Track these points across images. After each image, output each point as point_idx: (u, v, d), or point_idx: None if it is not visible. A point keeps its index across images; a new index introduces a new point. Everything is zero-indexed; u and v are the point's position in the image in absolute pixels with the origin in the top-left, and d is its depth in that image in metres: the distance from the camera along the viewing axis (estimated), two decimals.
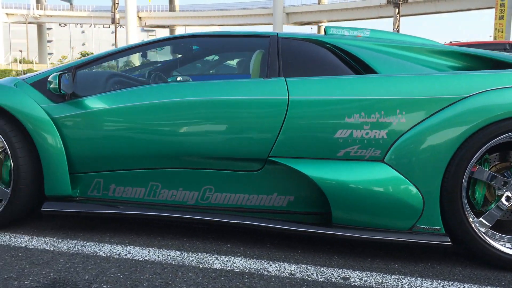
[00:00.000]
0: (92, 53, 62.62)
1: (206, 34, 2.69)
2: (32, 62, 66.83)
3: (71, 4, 76.21)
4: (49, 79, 2.39)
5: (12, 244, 2.32)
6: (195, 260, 2.15)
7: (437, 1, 53.12)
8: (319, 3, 64.66)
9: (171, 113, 2.35)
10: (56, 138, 2.41)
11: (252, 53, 2.68)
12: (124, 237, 2.45)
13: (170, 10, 74.43)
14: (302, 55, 2.48)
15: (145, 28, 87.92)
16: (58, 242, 2.36)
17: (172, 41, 2.68)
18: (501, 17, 44.37)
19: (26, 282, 1.89)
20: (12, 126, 2.44)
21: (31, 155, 2.45)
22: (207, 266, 2.08)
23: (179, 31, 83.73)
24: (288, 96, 2.24)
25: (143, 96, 2.40)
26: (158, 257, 2.18)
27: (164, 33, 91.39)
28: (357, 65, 2.40)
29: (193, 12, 72.79)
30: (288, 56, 2.45)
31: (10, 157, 2.41)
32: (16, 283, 1.89)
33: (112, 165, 2.44)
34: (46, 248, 2.27)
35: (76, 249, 2.26)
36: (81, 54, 62.38)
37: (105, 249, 2.27)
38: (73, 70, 2.58)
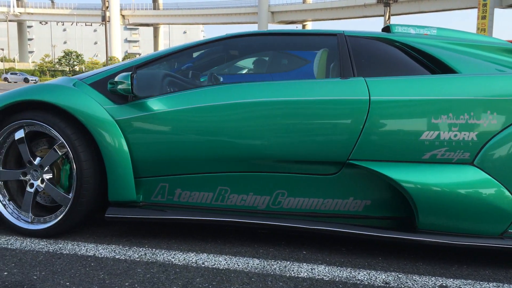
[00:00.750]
0: (75, 52, 61.75)
1: (269, 33, 2.60)
2: (14, 61, 65.62)
3: (52, 2, 75.05)
4: (117, 79, 2.28)
5: (79, 253, 2.21)
6: (277, 268, 2.07)
7: (420, 1, 53.77)
8: (304, 2, 64.86)
9: (244, 114, 2.26)
10: (121, 141, 2.30)
11: (314, 52, 2.61)
12: (192, 244, 2.36)
13: (154, 8, 73.83)
14: (374, 54, 2.42)
15: (128, 26, 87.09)
16: (126, 250, 2.26)
17: (233, 39, 2.59)
18: (484, 17, 45.17)
19: None
20: (74, 129, 2.32)
21: (94, 159, 2.33)
22: (293, 274, 2.00)
23: (163, 29, 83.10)
24: (369, 97, 2.17)
25: (211, 96, 2.31)
26: (238, 265, 2.09)
27: (147, 32, 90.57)
28: (432, 64, 2.34)
29: (177, 11, 72.30)
30: (360, 55, 2.38)
31: (73, 161, 2.30)
32: None
33: (178, 169, 2.34)
34: (117, 257, 2.16)
35: (149, 258, 2.16)
36: (64, 52, 61.38)
37: (178, 257, 2.17)
38: (134, 69, 2.47)
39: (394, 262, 2.16)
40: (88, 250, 2.24)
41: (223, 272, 2.01)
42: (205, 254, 2.22)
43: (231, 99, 2.28)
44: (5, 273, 1.96)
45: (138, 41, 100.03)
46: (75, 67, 60.43)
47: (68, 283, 1.88)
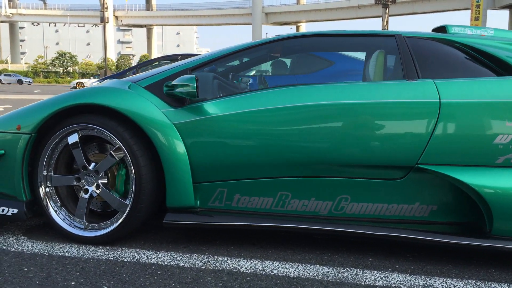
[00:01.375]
0: (69, 53, 61.34)
1: (324, 34, 2.55)
2: (6, 62, 65.02)
3: (44, 3, 74.49)
4: (177, 82, 2.22)
5: (141, 260, 2.14)
6: (349, 276, 2.02)
7: (414, 2, 53.99)
8: (298, 3, 64.89)
9: (308, 117, 2.21)
10: (180, 145, 2.24)
11: (369, 53, 2.56)
12: (252, 250, 2.30)
13: (147, 9, 73.50)
14: (435, 55, 2.38)
15: (121, 28, 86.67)
16: (187, 257, 2.19)
17: (288, 40, 2.54)
18: (477, 18, 45.44)
19: None
20: (132, 133, 2.26)
21: (152, 164, 2.27)
22: (368, 283, 1.95)
23: (156, 30, 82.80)
24: (440, 99, 2.12)
25: (273, 99, 2.26)
26: (308, 273, 2.04)
27: (140, 33, 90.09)
28: (495, 66, 2.30)
29: (171, 12, 72.04)
30: (421, 57, 2.34)
31: (132, 166, 2.23)
32: None
33: (238, 174, 2.28)
34: (181, 265, 2.10)
35: (214, 265, 2.10)
36: (57, 53, 60.94)
37: (244, 265, 2.11)
38: (188, 71, 2.42)
39: (465, 269, 2.12)
40: (149, 257, 2.18)
41: (296, 280, 1.96)
42: (269, 261, 2.17)
43: (294, 102, 2.23)
44: (73, 283, 1.90)
45: (131, 42, 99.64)
46: (69, 68, 60.01)
47: None
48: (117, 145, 2.27)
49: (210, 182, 2.31)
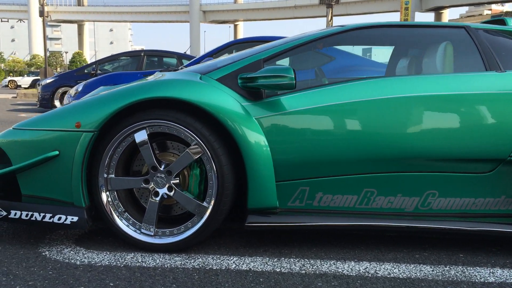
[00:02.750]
0: None
1: (392, 24, 2.48)
2: None
3: None
4: (270, 73, 2.05)
5: (231, 267, 1.97)
6: (458, 274, 1.96)
7: (347, 4, 55.69)
8: (235, 2, 64.92)
9: (394, 111, 2.13)
10: (263, 141, 2.08)
11: (434, 45, 2.51)
12: (339, 251, 2.19)
13: (78, 5, 70.55)
14: (506, 47, 2.38)
15: (50, 23, 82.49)
16: (277, 261, 2.05)
17: (357, 31, 2.44)
18: (406, 20, 47.67)
19: None
20: (210, 129, 2.07)
21: (232, 163, 2.10)
22: (481, 280, 1.90)
23: (88, 27, 79.71)
24: None
25: (358, 92, 2.16)
26: (415, 273, 1.96)
27: (70, 29, 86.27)
28: None
29: (104, 7, 69.58)
30: (496, 48, 2.33)
31: (214, 164, 2.05)
32: None
33: (322, 171, 2.16)
34: (278, 270, 1.95)
35: (313, 269, 1.97)
36: None
37: (343, 267, 2.00)
38: (262, 63, 2.26)
39: None
40: (237, 263, 2.01)
41: (409, 282, 1.87)
42: (365, 262, 2.07)
43: (381, 95, 2.14)
44: None
45: (60, 38, 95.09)
46: None
47: None
48: (194, 143, 2.07)
49: (292, 180, 2.17)
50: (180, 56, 9.61)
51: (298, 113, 2.13)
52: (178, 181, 2.15)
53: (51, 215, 2.12)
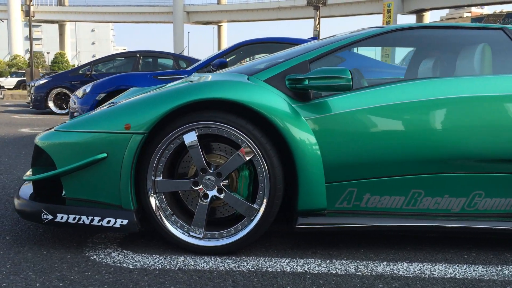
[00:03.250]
0: None
1: (431, 26, 2.50)
2: None
3: None
4: (325, 74, 2.04)
5: (286, 269, 1.95)
6: (507, 274, 1.98)
7: (331, 6, 56.06)
8: (219, 3, 64.85)
9: (441, 112, 2.15)
10: (314, 143, 2.07)
11: (471, 46, 2.54)
12: (386, 252, 2.20)
13: (59, 4, 69.63)
14: None
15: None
16: (329, 262, 2.04)
17: (399, 32, 2.45)
18: (388, 22, 48.16)
19: None
20: (261, 131, 2.06)
21: (281, 164, 2.09)
22: None
23: (70, 27, 78.72)
24: None
25: (407, 93, 2.17)
26: (470, 273, 1.98)
27: (51, 29, 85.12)
28: None
29: (85, 7, 68.83)
30: None
31: (266, 166, 2.04)
32: None
33: (371, 173, 2.16)
34: (333, 272, 1.95)
35: (367, 270, 1.97)
36: None
37: (398, 268, 2.01)
38: (308, 64, 2.26)
39: None
40: (291, 265, 2.00)
41: (468, 282, 1.89)
42: (417, 263, 2.08)
43: (431, 96, 2.16)
44: None
45: (41, 38, 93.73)
46: None
47: None
48: (244, 144, 2.06)
49: (340, 182, 2.17)
50: (177, 57, 9.56)
51: (346, 114, 2.13)
52: (227, 182, 2.13)
53: (99, 218, 2.08)
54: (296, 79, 2.14)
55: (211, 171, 2.11)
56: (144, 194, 2.10)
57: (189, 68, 5.39)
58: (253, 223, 2.08)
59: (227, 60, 4.88)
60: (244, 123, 2.05)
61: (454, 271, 1.99)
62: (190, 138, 2.08)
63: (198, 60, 9.90)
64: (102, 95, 4.92)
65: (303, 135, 2.06)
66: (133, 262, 2.01)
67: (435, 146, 2.14)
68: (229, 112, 2.07)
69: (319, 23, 25.16)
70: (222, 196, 2.11)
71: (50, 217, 2.10)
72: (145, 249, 2.16)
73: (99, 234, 2.37)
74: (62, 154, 2.11)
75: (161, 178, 2.12)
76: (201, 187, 2.12)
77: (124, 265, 1.98)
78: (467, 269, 2.01)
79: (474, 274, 1.95)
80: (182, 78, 4.95)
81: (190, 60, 9.29)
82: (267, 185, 2.06)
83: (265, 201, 2.07)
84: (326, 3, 24.83)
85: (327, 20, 54.75)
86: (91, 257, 2.06)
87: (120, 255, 2.09)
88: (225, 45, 67.59)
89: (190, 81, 2.27)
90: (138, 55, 9.63)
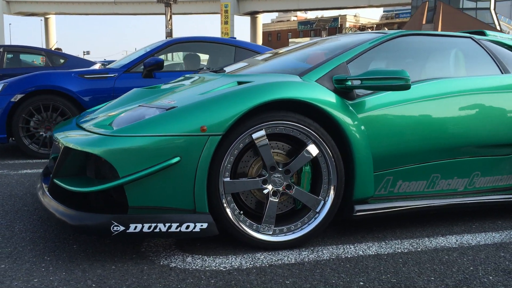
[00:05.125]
0: None
1: (420, 33, 2.88)
2: None
3: None
4: (389, 75, 2.22)
5: (368, 253, 2.14)
6: None
7: (188, 3, 56.07)
8: None
9: (457, 106, 2.55)
10: (366, 137, 2.29)
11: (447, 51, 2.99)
12: (428, 229, 2.51)
13: None
14: (504, 54, 3.00)
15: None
16: (388, 244, 2.28)
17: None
18: (226, 22, 50.00)
19: None
20: (325, 129, 2.21)
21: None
22: None
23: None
24: None
25: (433, 90, 2.51)
26: (503, 237, 2.40)
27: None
28: None
29: None
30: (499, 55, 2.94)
31: (333, 161, 2.20)
32: None
33: (404, 162, 2.46)
34: (397, 251, 2.20)
35: (432, 244, 2.26)
36: None
37: (451, 241, 2.34)
38: (346, 65, 2.46)
39: None
40: (363, 250, 2.20)
41: (505, 245, 2.30)
42: (455, 235, 2.43)
43: (446, 93, 2.54)
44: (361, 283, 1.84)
45: None
46: None
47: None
48: (309, 141, 2.19)
49: (381, 171, 2.42)
50: (50, 53, 8.77)
51: (386, 111, 2.39)
52: (293, 179, 2.23)
53: (177, 224, 2.00)
54: (346, 79, 2.32)
55: (280, 168, 2.18)
56: (216, 196, 2.08)
57: (112, 66, 5.09)
58: (321, 215, 2.22)
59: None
60: (311, 121, 2.17)
61: (487, 237, 2.39)
62: (261, 137, 2.13)
63: (75, 57, 9.22)
64: (19, 96, 4.38)
65: (359, 130, 2.26)
66: (224, 265, 1.99)
67: (450, 136, 2.52)
68: (298, 111, 2.17)
69: (171, 19, 24.96)
70: (292, 192, 2.20)
71: (122, 228, 1.95)
72: (213, 252, 2.14)
73: (167, 240, 2.25)
74: (126, 160, 1.98)
75: (228, 179, 2.12)
76: (269, 185, 2.17)
77: (219, 268, 1.96)
78: (496, 235, 2.43)
79: (505, 238, 2.37)
80: (111, 76, 4.70)
81: (65, 56, 8.64)
82: (333, 178, 2.21)
83: (332, 193, 2.22)
84: (177, 1, 24.76)
85: (161, 17, 54.37)
86: (170, 265, 1.98)
87: (198, 260, 2.04)
88: (54, 39, 62.71)
89: (240, 82, 2.30)
90: (1, 50, 8.58)
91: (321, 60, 2.54)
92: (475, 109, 2.60)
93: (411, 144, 2.44)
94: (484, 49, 2.93)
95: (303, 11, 72.36)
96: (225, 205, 2.10)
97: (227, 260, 2.04)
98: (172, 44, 5.00)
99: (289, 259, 2.07)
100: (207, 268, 1.96)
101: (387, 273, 1.94)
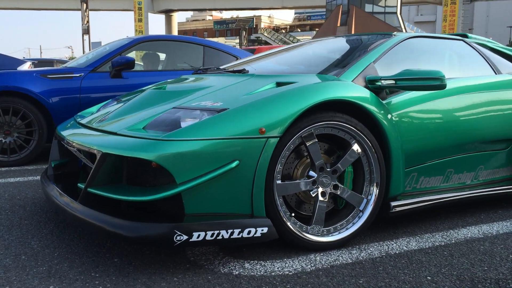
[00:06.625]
0: None
1: (419, 35, 3.01)
2: None
3: None
4: (426, 75, 2.29)
5: (419, 245, 2.21)
6: None
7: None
8: None
9: (468, 105, 2.71)
10: (399, 136, 2.37)
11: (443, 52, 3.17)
12: (445, 223, 2.64)
13: None
14: (491, 56, 3.23)
15: None
16: (424, 239, 2.38)
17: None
18: (140, 20, 48.77)
19: None
20: (367, 129, 2.25)
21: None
22: None
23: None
24: None
25: (454, 88, 2.66)
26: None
27: None
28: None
29: None
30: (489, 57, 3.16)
31: (377, 160, 2.25)
32: None
33: (426, 159, 2.56)
34: (435, 244, 2.30)
35: (467, 236, 2.38)
36: None
37: (473, 232, 2.47)
38: (373, 65, 2.52)
39: None
40: (404, 246, 2.27)
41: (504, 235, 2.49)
42: (473, 226, 2.58)
43: (459, 92, 2.70)
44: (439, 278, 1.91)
45: None
46: None
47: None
48: (353, 141, 2.22)
49: (408, 168, 2.50)
50: None
51: (414, 109, 2.48)
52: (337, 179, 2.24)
53: (239, 230, 1.94)
54: (380, 79, 2.37)
55: (328, 169, 2.19)
56: (271, 199, 2.04)
57: (76, 65, 4.76)
58: (366, 213, 2.26)
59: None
60: (357, 121, 2.20)
61: (499, 227, 2.56)
62: (311, 138, 2.12)
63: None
64: None
65: (394, 130, 2.33)
66: (264, 270, 1.96)
67: (462, 132, 2.68)
68: (344, 112, 2.19)
69: (88, 13, 23.80)
70: (338, 192, 2.21)
71: (185, 237, 1.85)
72: (258, 256, 2.10)
73: (210, 248, 2.15)
74: (183, 166, 1.88)
75: (280, 181, 2.09)
76: (317, 185, 2.17)
77: (286, 272, 1.93)
78: (507, 224, 2.61)
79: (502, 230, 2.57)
80: (76, 76, 4.43)
81: None
82: (377, 177, 2.26)
83: (375, 191, 2.27)
84: None
85: (77, 12, 51.88)
86: (223, 270, 1.92)
87: (245, 265, 1.99)
88: None
89: (279, 83, 2.28)
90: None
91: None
92: (481, 107, 2.78)
93: (434, 141, 2.56)
94: (476, 51, 3.13)
95: (218, 11, 72.47)
96: (279, 207, 2.06)
97: (286, 264, 2.01)
98: (140, 43, 4.79)
99: (343, 258, 2.09)
100: (273, 274, 1.92)
101: (444, 266, 2.01)
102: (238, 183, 1.95)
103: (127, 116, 2.39)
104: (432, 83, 2.33)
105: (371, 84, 2.40)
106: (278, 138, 1.99)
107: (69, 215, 2.12)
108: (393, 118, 2.37)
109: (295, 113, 2.02)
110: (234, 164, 1.92)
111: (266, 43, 58.06)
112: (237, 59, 5.12)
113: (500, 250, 2.22)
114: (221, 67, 3.26)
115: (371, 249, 2.21)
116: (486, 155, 2.86)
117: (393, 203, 2.38)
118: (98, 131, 2.33)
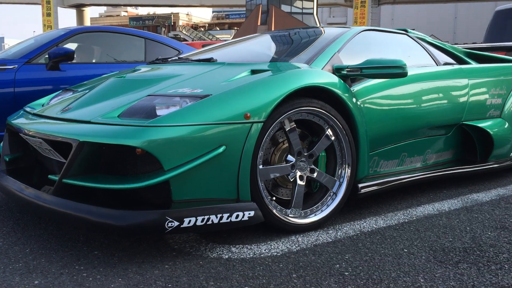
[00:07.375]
0: None
1: (373, 29, 3.17)
2: None
3: None
4: (388, 64, 2.41)
5: (372, 227, 2.35)
6: (464, 199, 2.93)
7: None
8: None
9: (421, 92, 2.91)
10: (364, 121, 2.50)
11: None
12: (410, 200, 2.82)
13: None
14: (431, 48, 3.48)
15: None
16: (402, 215, 2.53)
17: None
18: (48, 14, 46.16)
19: None
20: (339, 114, 2.36)
21: None
22: (484, 198, 2.93)
23: None
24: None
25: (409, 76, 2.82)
26: (468, 202, 2.82)
27: None
28: (448, 55, 3.60)
29: None
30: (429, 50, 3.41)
31: (349, 144, 2.37)
32: None
33: (385, 143, 2.71)
34: (415, 218, 2.46)
35: (433, 210, 2.56)
36: None
37: (437, 208, 2.67)
38: (338, 54, 2.63)
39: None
40: (386, 221, 2.40)
41: (477, 207, 2.72)
42: (437, 203, 2.78)
43: (415, 80, 2.89)
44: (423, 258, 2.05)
45: None
46: None
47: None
48: (327, 126, 2.32)
49: (372, 152, 2.64)
50: None
51: (375, 95, 2.62)
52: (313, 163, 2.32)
53: (228, 214, 1.95)
54: (347, 68, 2.48)
55: (305, 153, 2.26)
56: (255, 183, 2.08)
57: (7, 57, 4.43)
58: (339, 195, 2.36)
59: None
60: (330, 107, 2.30)
61: (450, 204, 2.78)
62: (290, 123, 2.19)
63: None
64: None
65: (361, 115, 2.46)
66: (253, 253, 2.00)
67: (416, 118, 2.88)
68: (319, 98, 2.27)
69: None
70: (315, 175, 2.29)
71: (176, 223, 1.84)
72: (240, 240, 2.13)
73: (190, 235, 2.13)
74: (170, 152, 1.86)
75: (261, 166, 2.13)
76: (295, 170, 2.24)
77: (282, 253, 1.97)
78: (457, 201, 2.84)
79: (470, 203, 2.80)
80: (10, 68, 4.17)
81: None
82: (348, 160, 2.37)
83: (348, 174, 2.38)
84: None
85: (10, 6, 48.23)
86: (224, 256, 1.93)
87: (232, 249, 2.02)
88: None
89: (253, 71, 2.31)
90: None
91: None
92: (429, 94, 2.99)
93: (392, 127, 2.72)
94: (419, 44, 3.37)
95: (133, 7, 70.49)
96: (262, 191, 2.10)
97: (272, 246, 2.06)
98: (77, 33, 4.57)
99: (323, 238, 2.17)
100: (262, 256, 1.95)
101: (415, 240, 2.16)
102: (225, 168, 1.96)
103: (96, 105, 2.30)
104: (395, 71, 2.48)
105: (338, 72, 2.50)
106: (262, 123, 2.03)
107: (40, 209, 2.01)
108: (358, 104, 2.50)
109: (278, 97, 2.07)
110: (221, 149, 1.93)
111: (185, 41, 57.46)
112: (179, 52, 5.06)
113: (457, 223, 2.42)
114: (182, 57, 3.23)
115: (345, 228, 2.32)
116: (433, 139, 3.08)
117: (360, 185, 2.50)
118: (65, 120, 2.22)
